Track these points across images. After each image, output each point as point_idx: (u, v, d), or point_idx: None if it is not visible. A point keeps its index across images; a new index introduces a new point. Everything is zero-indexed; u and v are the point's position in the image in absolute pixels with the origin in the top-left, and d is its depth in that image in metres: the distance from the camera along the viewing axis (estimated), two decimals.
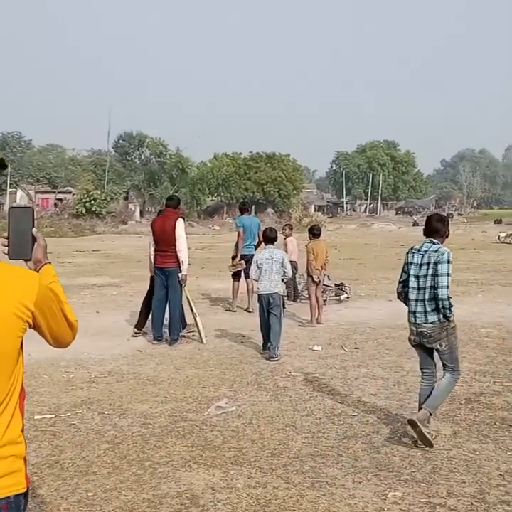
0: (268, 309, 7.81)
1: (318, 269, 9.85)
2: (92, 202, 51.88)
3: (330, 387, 6.40)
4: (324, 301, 11.99)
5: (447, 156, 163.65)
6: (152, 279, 8.78)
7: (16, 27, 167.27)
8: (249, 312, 10.75)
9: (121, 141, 70.75)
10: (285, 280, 8.27)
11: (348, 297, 12.31)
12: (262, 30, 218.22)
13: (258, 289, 8.03)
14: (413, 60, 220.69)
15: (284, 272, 7.94)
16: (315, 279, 9.86)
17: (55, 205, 59.44)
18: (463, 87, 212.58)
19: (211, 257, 23.01)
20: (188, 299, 8.71)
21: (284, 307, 8.12)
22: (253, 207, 69.64)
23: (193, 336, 8.76)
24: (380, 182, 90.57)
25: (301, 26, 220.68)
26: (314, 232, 10.20)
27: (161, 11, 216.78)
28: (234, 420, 5.42)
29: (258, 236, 10.72)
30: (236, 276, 11.16)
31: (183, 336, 8.68)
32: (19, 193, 65.12)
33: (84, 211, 51.57)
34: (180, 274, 8.27)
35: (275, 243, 8.26)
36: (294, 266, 11.57)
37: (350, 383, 6.56)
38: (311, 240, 10.14)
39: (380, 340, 8.70)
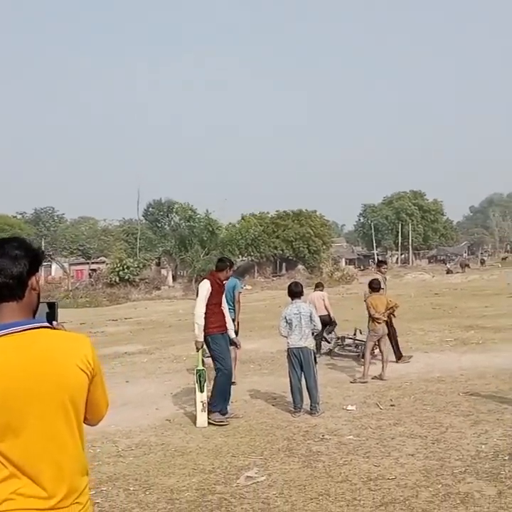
0: (300, 365, 7.68)
1: (382, 320, 9.70)
2: (125, 270, 52.44)
3: (365, 449, 6.10)
4: (357, 356, 11.74)
5: (475, 202, 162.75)
6: None
7: (37, 104, 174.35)
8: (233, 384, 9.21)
9: (150, 209, 72.26)
10: (315, 333, 8.15)
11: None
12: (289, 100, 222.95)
13: (288, 343, 7.89)
14: (434, 107, 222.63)
15: (314, 325, 7.85)
16: (376, 332, 9.68)
17: (90, 275, 60.31)
18: (485, 131, 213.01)
19: (242, 317, 22.77)
20: (198, 370, 7.74)
21: (315, 362, 7.93)
22: (283, 264, 69.82)
23: (235, 415, 7.84)
24: (410, 232, 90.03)
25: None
26: (373, 286, 10.10)
27: (187, 83, 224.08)
28: (264, 491, 5.16)
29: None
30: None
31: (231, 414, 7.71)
32: (54, 265, 66.36)
33: (117, 279, 52.11)
34: (195, 342, 7.73)
35: (301, 297, 8.15)
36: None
37: (386, 444, 6.24)
38: (370, 294, 10.02)
39: (417, 395, 8.35)
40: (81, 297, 45.18)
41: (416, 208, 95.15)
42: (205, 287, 7.75)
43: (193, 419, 7.69)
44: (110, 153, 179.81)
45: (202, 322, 7.57)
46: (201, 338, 7.62)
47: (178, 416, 8.02)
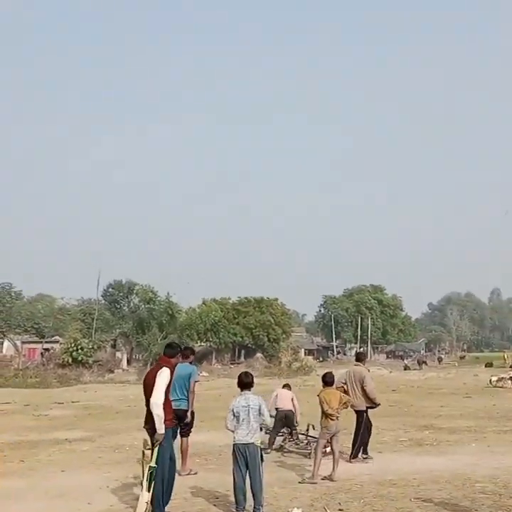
0: (245, 463, 7.24)
1: (335, 417, 9.29)
2: (79, 351, 51.13)
3: None
4: (308, 454, 11.27)
5: (434, 300, 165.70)
6: None
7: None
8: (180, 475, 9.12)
9: (110, 290, 71.29)
10: (263, 429, 7.74)
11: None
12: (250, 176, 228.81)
13: (234, 438, 7.45)
14: (392, 210, 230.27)
15: (263, 420, 7.47)
16: (329, 429, 9.28)
17: (42, 354, 58.62)
18: (443, 233, 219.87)
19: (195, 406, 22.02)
20: (151, 467, 6.89)
21: (262, 460, 7.48)
22: (242, 352, 68.90)
23: None
24: (369, 325, 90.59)
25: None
26: (326, 379, 9.69)
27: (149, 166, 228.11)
28: None
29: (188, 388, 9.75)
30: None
31: None
32: (6, 343, 64.44)
33: (70, 360, 50.66)
34: (156, 435, 6.95)
35: (251, 389, 7.79)
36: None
37: None
38: (323, 388, 9.63)
39: (367, 499, 7.93)
40: (30, 377, 43.65)
41: (375, 301, 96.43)
42: (166, 376, 7.19)
43: None
44: (72, 231, 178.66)
45: (163, 414, 6.99)
46: (163, 431, 6.97)
47: None
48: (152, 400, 6.99)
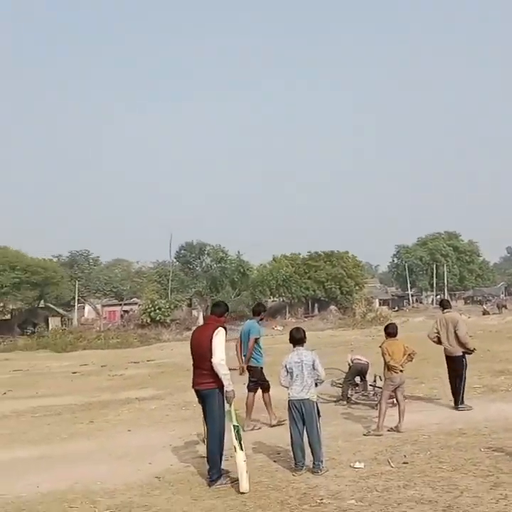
0: (301, 419, 7.02)
1: (399, 370, 8.95)
2: (157, 311, 52.59)
3: None
4: (375, 405, 10.93)
5: None
6: None
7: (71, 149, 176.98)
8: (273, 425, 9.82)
9: (182, 251, 72.47)
10: (318, 384, 7.44)
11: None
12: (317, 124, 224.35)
13: (289, 395, 7.24)
14: (460, 153, 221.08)
15: (318, 375, 7.21)
16: (393, 381, 8.98)
17: (122, 316, 60.55)
18: None
19: (266, 360, 22.04)
20: (235, 426, 6.78)
21: (319, 415, 7.22)
22: (315, 305, 68.77)
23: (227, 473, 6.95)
24: (445, 273, 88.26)
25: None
26: (389, 331, 9.31)
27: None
28: None
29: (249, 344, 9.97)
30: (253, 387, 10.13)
31: (228, 476, 6.87)
32: (87, 307, 66.85)
33: (149, 320, 52.24)
34: (226, 393, 6.83)
35: (304, 344, 7.51)
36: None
37: (391, 511, 5.51)
38: (386, 339, 9.28)
39: (434, 451, 7.56)
40: (112, 338, 45.34)
41: (451, 248, 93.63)
42: (223, 335, 7.03)
43: (187, 475, 7.12)
44: (144, 198, 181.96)
45: (228, 372, 6.89)
46: (232, 387, 6.88)
47: (169, 472, 7.36)
48: (215, 360, 6.82)
